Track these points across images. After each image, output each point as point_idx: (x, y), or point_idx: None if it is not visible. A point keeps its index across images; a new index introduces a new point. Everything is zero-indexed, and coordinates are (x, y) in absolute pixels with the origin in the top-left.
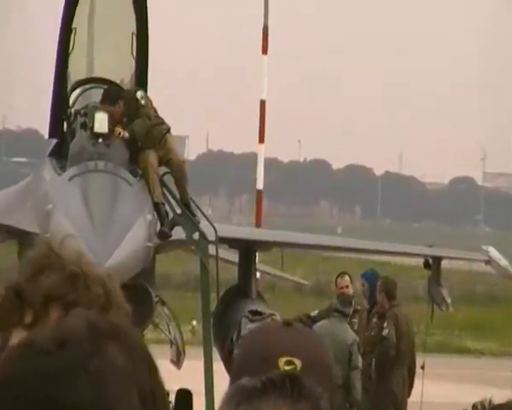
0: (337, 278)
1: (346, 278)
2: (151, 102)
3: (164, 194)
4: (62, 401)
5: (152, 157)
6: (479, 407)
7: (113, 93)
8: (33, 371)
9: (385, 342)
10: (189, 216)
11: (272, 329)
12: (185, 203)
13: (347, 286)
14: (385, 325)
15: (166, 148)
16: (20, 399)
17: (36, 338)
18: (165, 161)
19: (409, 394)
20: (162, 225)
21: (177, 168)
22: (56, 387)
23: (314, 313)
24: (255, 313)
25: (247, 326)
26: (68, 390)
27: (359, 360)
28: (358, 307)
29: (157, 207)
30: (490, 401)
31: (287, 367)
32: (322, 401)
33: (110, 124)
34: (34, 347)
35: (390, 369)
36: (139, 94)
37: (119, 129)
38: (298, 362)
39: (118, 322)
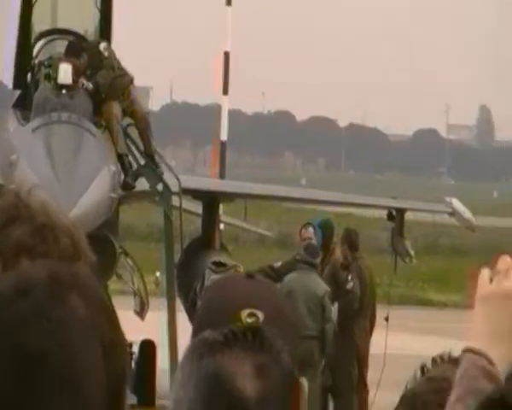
0: (301, 229)
1: (310, 228)
2: (114, 53)
3: (128, 145)
4: (28, 347)
5: (116, 108)
6: (438, 360)
7: (76, 46)
8: None
9: (349, 296)
10: (152, 167)
11: (234, 281)
12: (149, 155)
13: (311, 237)
14: (349, 277)
15: (130, 99)
16: None
17: None
18: (129, 112)
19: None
20: (126, 176)
21: (140, 120)
22: (21, 334)
23: (277, 264)
24: (219, 264)
25: (211, 278)
26: (33, 337)
27: (332, 312)
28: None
29: (121, 158)
30: (449, 354)
31: (249, 320)
32: (283, 353)
33: (74, 75)
34: None
35: (353, 321)
36: (102, 46)
37: (82, 80)
38: (260, 314)
39: (79, 272)
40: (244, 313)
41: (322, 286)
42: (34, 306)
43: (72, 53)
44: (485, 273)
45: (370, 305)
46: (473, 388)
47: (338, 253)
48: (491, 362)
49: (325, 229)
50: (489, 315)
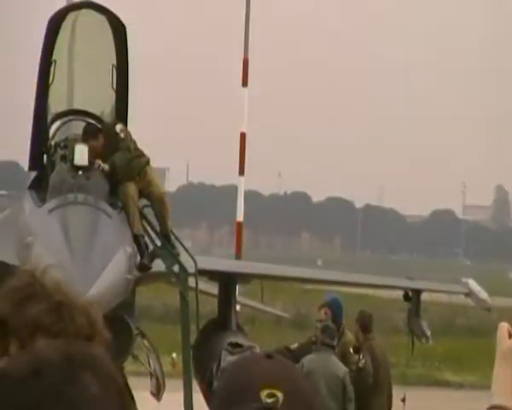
0: (319, 310)
1: (324, 310)
2: (130, 134)
3: (144, 226)
4: None
5: (132, 190)
6: None
7: (92, 128)
8: (9, 402)
9: (362, 373)
10: (168, 248)
11: (253, 360)
12: (165, 235)
13: (325, 319)
14: (360, 356)
15: (146, 180)
16: None
17: (10, 368)
18: (146, 193)
19: None
20: (142, 257)
21: (157, 201)
22: None
23: (293, 345)
24: (235, 345)
25: (227, 358)
26: None
27: (352, 392)
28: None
29: (137, 239)
30: None
31: (268, 400)
32: None
33: (90, 157)
34: (8, 376)
35: (369, 399)
36: (118, 127)
37: (98, 161)
38: (279, 394)
39: (94, 351)
40: (264, 393)
41: (341, 367)
42: (47, 386)
43: (89, 135)
44: (504, 329)
45: (386, 383)
46: None
47: (349, 334)
48: None
49: (334, 307)
50: (510, 370)
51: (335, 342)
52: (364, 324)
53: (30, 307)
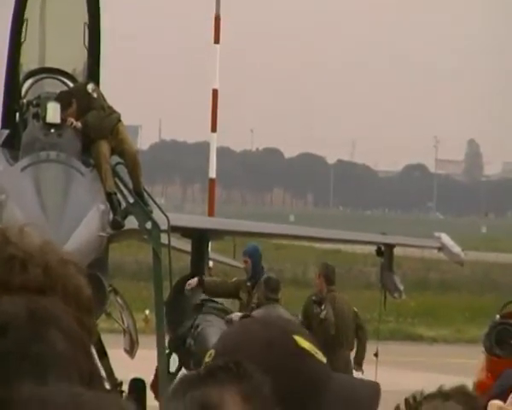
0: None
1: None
2: (102, 93)
3: (116, 184)
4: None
5: (104, 148)
6: (410, 400)
7: (65, 95)
8: None
9: (324, 324)
10: (141, 205)
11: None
12: (138, 193)
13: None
14: (322, 307)
15: (119, 138)
16: None
17: None
18: (119, 151)
19: None
20: (115, 214)
21: (130, 158)
22: (2, 374)
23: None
24: (208, 300)
25: (200, 316)
26: (13, 377)
27: None
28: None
29: (109, 196)
30: (421, 393)
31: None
32: (264, 385)
33: (62, 114)
34: None
35: (332, 351)
36: (90, 87)
37: (71, 119)
38: None
39: (56, 307)
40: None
41: (288, 315)
42: (13, 344)
43: (62, 102)
44: (494, 407)
45: (349, 335)
46: None
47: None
48: None
49: (254, 256)
50: None
51: (278, 296)
52: (328, 275)
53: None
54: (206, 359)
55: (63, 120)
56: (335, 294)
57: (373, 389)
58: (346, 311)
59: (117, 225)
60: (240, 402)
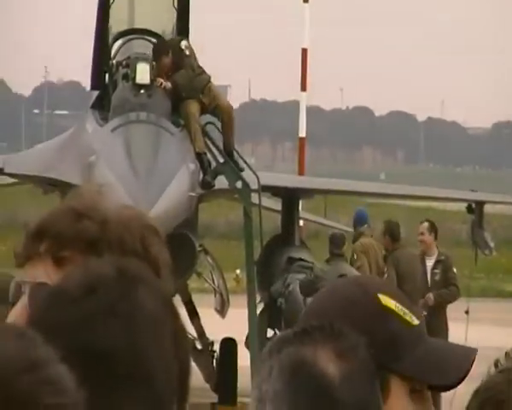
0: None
1: (423, 225)
2: (194, 52)
3: (206, 143)
4: (94, 347)
5: (193, 107)
6: (511, 354)
7: (162, 44)
8: (64, 320)
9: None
10: (231, 165)
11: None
12: (229, 150)
13: (423, 233)
14: (384, 269)
15: (211, 95)
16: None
17: (65, 286)
18: (213, 107)
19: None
20: (205, 174)
21: (225, 112)
22: (87, 334)
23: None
24: (297, 260)
25: (292, 275)
26: (99, 336)
27: None
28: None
29: (199, 156)
30: None
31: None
32: (360, 346)
33: (160, 73)
34: (64, 295)
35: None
36: (183, 44)
37: (160, 80)
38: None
39: (142, 268)
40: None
41: (351, 271)
42: (102, 303)
43: (159, 52)
44: None
45: (414, 291)
46: None
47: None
48: None
49: (357, 217)
50: None
51: (342, 250)
52: (392, 232)
53: (80, 224)
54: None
55: (153, 80)
56: (398, 253)
57: (466, 355)
58: (410, 269)
59: (207, 185)
60: (334, 360)
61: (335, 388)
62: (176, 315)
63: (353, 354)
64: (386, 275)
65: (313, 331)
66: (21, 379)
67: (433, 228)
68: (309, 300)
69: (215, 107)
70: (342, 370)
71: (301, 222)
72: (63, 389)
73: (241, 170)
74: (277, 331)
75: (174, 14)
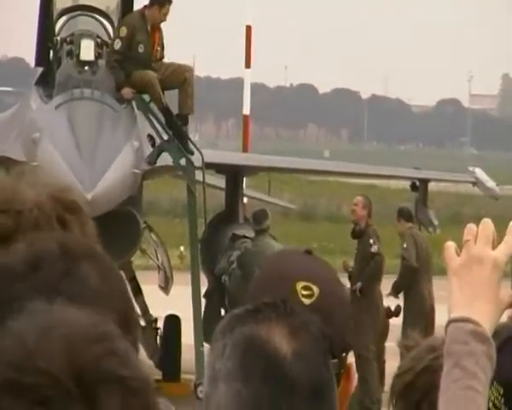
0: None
1: (358, 197)
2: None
3: (151, 121)
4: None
5: (151, 74)
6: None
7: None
8: (6, 296)
9: (376, 258)
10: (176, 142)
11: (293, 254)
12: (186, 114)
13: (356, 205)
14: (371, 241)
15: (165, 66)
16: None
17: (8, 262)
18: (169, 73)
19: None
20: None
21: (181, 74)
22: None
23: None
24: (241, 237)
25: (234, 253)
26: None
27: None
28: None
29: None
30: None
31: (304, 292)
32: (313, 323)
33: (96, 51)
34: (7, 270)
35: (374, 284)
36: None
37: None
38: (316, 289)
39: (89, 242)
40: (299, 285)
41: (274, 246)
42: (45, 279)
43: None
44: (451, 248)
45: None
46: (467, 351)
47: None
48: (477, 324)
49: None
50: (462, 284)
51: (266, 225)
52: (370, 209)
53: None
54: None
55: (97, 57)
56: (375, 228)
57: None
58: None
59: (150, 162)
60: (287, 336)
61: (288, 365)
62: (124, 291)
63: (306, 331)
64: (375, 249)
65: (266, 309)
66: (90, 349)
67: (366, 204)
68: (247, 276)
69: (171, 74)
70: (295, 347)
71: (245, 199)
72: (131, 363)
73: (190, 152)
74: (222, 309)
75: None
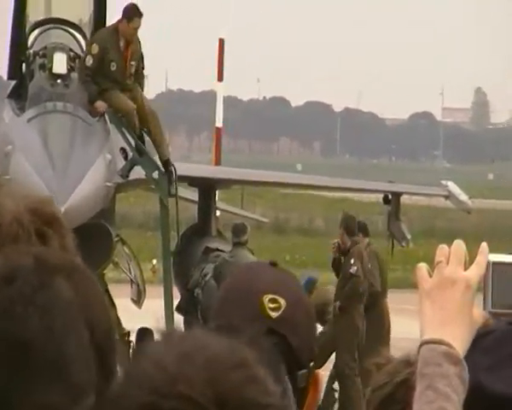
0: None
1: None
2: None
3: (123, 134)
4: (11, 335)
5: (129, 102)
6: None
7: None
8: None
9: (353, 279)
10: (148, 155)
11: (259, 267)
12: (166, 160)
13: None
14: (351, 261)
15: (140, 93)
16: None
17: None
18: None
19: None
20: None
21: (151, 121)
22: (5, 322)
23: None
24: (214, 250)
25: (208, 266)
26: (17, 325)
27: None
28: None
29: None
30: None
31: (271, 305)
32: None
33: (68, 64)
34: None
35: (354, 305)
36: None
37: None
38: (282, 301)
39: (66, 256)
40: (266, 298)
41: (250, 258)
42: (20, 292)
43: (138, 12)
44: (423, 270)
45: (383, 283)
46: (440, 372)
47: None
48: (450, 346)
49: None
50: (435, 306)
51: (245, 239)
52: (348, 226)
53: None
54: None
55: (69, 70)
56: (360, 246)
57: None
58: (373, 262)
59: (123, 176)
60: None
61: None
62: (101, 304)
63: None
64: (354, 270)
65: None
66: (231, 376)
67: (341, 224)
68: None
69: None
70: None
71: (218, 212)
72: (269, 390)
73: (172, 181)
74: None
75: (91, 4)
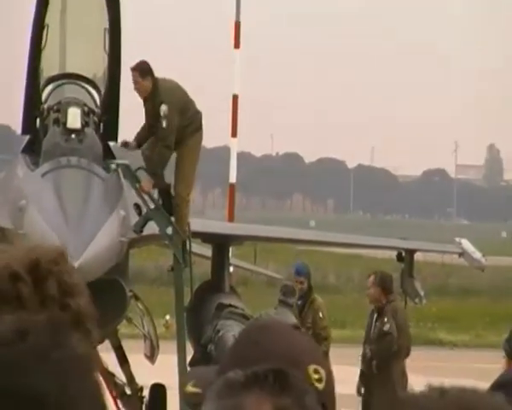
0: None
1: (369, 279)
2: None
3: (137, 189)
4: (24, 391)
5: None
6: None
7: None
8: None
9: (387, 338)
10: (162, 211)
11: (288, 332)
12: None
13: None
14: (385, 320)
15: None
16: None
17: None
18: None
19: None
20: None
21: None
22: (18, 377)
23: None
24: (227, 306)
25: (221, 322)
26: (30, 380)
27: None
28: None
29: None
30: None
31: (315, 376)
32: (307, 396)
33: (83, 119)
34: None
35: (390, 363)
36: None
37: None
38: (322, 372)
39: (81, 311)
40: (311, 369)
41: (292, 320)
42: (33, 347)
43: (144, 72)
44: None
45: (405, 347)
46: None
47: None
48: None
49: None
50: None
51: (294, 301)
52: (385, 285)
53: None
54: None
55: (84, 125)
56: (396, 304)
57: None
58: (405, 321)
59: (137, 231)
60: None
61: None
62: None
63: (296, 406)
64: (387, 327)
65: (255, 383)
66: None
67: (378, 282)
68: None
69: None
70: None
71: (231, 268)
72: None
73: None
74: None
75: (106, 59)
